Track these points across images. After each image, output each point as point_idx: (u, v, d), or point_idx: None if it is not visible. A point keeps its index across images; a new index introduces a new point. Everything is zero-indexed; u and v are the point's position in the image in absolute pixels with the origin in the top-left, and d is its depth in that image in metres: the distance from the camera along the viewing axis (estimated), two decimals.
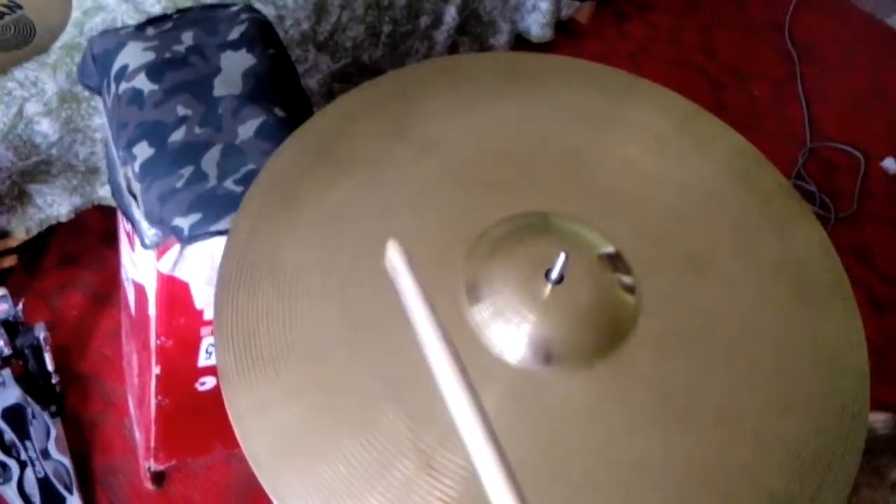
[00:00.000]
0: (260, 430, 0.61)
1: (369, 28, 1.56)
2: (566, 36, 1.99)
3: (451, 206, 0.69)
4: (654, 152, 0.75)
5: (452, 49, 1.76)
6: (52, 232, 1.44)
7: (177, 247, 0.93)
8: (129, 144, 0.93)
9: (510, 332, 0.63)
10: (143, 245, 0.96)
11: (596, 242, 0.67)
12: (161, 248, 0.95)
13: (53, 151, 1.30)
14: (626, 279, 0.66)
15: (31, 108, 1.23)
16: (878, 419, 1.53)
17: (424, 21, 1.65)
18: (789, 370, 0.66)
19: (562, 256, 0.61)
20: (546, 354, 0.62)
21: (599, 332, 0.64)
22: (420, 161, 0.69)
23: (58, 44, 1.21)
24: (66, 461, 1.28)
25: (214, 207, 0.90)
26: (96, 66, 1.00)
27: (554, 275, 0.62)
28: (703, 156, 0.75)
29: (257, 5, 1.31)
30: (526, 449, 0.59)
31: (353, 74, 1.59)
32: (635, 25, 2.09)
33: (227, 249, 0.67)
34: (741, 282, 0.69)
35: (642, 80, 0.79)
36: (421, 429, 0.59)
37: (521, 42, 1.89)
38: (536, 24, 1.85)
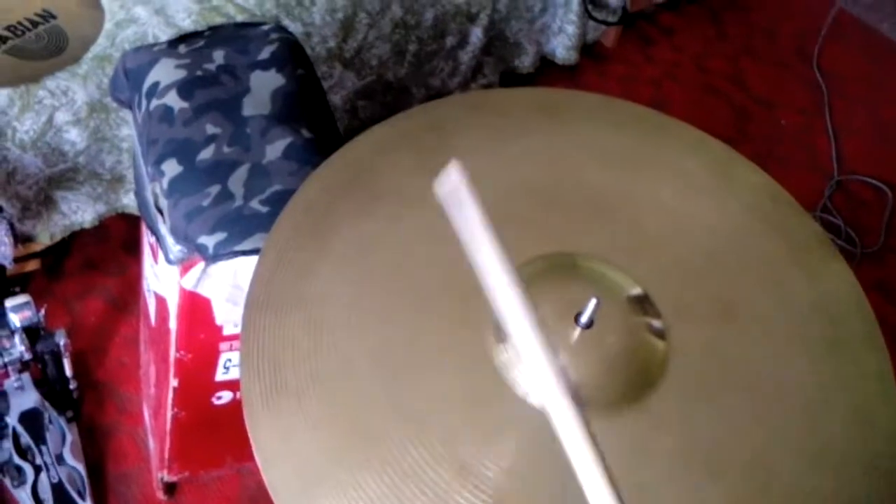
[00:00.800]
0: (281, 460, 0.60)
1: (395, 46, 1.56)
2: (592, 59, 1.99)
3: None
4: (684, 194, 0.74)
5: (477, 69, 1.76)
6: (75, 237, 1.45)
7: (201, 264, 0.93)
8: (159, 161, 0.94)
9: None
10: (168, 260, 0.96)
11: (625, 285, 0.66)
12: (185, 265, 0.95)
13: (80, 160, 1.31)
14: (656, 323, 0.65)
15: (61, 116, 1.24)
16: None
17: (450, 41, 1.65)
18: (821, 423, 0.65)
19: (593, 301, 0.60)
20: (573, 399, 0.61)
21: (628, 378, 0.63)
22: None
23: (89, 55, 1.22)
24: (81, 467, 1.29)
25: (240, 227, 0.90)
26: (128, 81, 1.01)
27: (584, 319, 0.61)
28: (734, 198, 0.74)
29: (285, 22, 1.32)
30: (547, 494, 0.59)
31: (377, 92, 1.60)
32: (661, 50, 2.08)
33: (256, 277, 0.67)
34: (772, 329, 0.68)
35: (674, 120, 0.79)
36: (441, 466, 0.59)
37: (546, 64, 1.89)
38: (562, 46, 1.85)
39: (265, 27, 1.06)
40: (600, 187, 0.73)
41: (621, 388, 0.62)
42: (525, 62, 1.82)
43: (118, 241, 1.54)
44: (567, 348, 0.62)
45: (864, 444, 0.65)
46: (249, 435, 0.62)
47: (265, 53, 1.02)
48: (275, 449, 0.61)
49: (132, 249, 1.46)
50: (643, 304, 0.66)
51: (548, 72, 1.89)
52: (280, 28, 1.07)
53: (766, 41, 2.17)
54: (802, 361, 0.68)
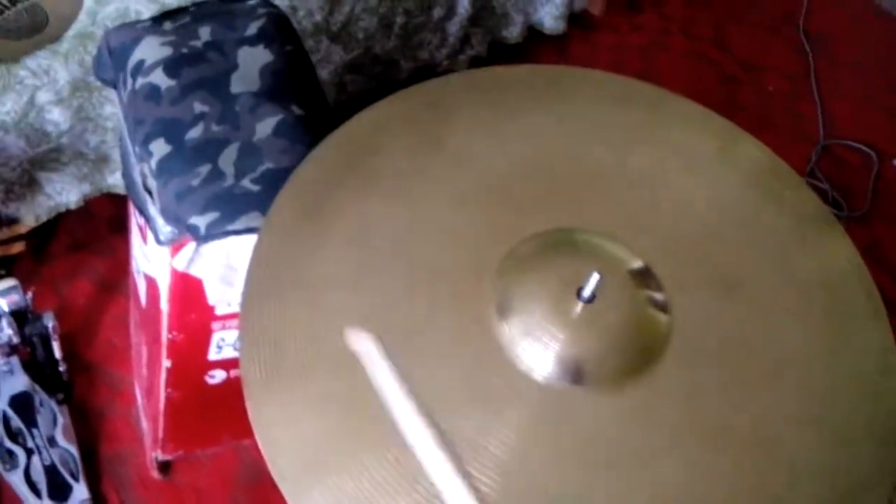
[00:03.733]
0: (284, 442, 0.60)
1: (382, 19, 1.54)
2: (580, 28, 1.97)
3: (481, 221, 0.68)
4: (685, 169, 0.74)
5: (465, 41, 1.74)
6: (61, 219, 1.43)
7: (192, 244, 0.92)
8: (146, 141, 0.92)
9: (539, 350, 0.62)
10: (158, 241, 0.95)
11: (627, 259, 0.66)
12: (176, 245, 0.94)
13: (64, 140, 1.29)
14: (658, 296, 0.65)
15: (43, 96, 1.22)
16: None
17: (437, 13, 1.63)
18: (823, 395, 0.65)
19: (595, 276, 0.60)
20: (576, 374, 0.62)
21: (631, 351, 0.63)
22: (450, 175, 0.69)
23: (70, 32, 1.20)
24: (73, 449, 1.28)
25: (231, 206, 0.89)
26: (112, 59, 0.99)
27: (586, 293, 0.61)
28: (735, 173, 0.74)
29: None
30: (551, 469, 0.59)
31: (365, 65, 1.58)
32: (648, 17, 2.07)
33: (255, 258, 0.66)
34: (774, 301, 0.69)
35: (675, 96, 0.78)
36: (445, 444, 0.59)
37: (533, 34, 1.87)
38: (549, 16, 1.83)
39: (251, 2, 1.04)
40: (601, 163, 0.72)
41: (624, 361, 0.63)
42: (513, 32, 1.81)
43: (104, 221, 1.52)
44: (569, 323, 0.62)
45: (867, 415, 0.66)
46: (250, 417, 0.62)
47: (252, 29, 1.00)
48: (276, 431, 0.60)
49: (119, 229, 1.44)
50: (645, 277, 0.66)
51: (536, 42, 1.88)
52: (266, 3, 1.05)
53: (752, 6, 2.16)
54: (804, 333, 0.69)
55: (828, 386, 0.66)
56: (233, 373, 1.17)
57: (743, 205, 0.74)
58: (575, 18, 1.94)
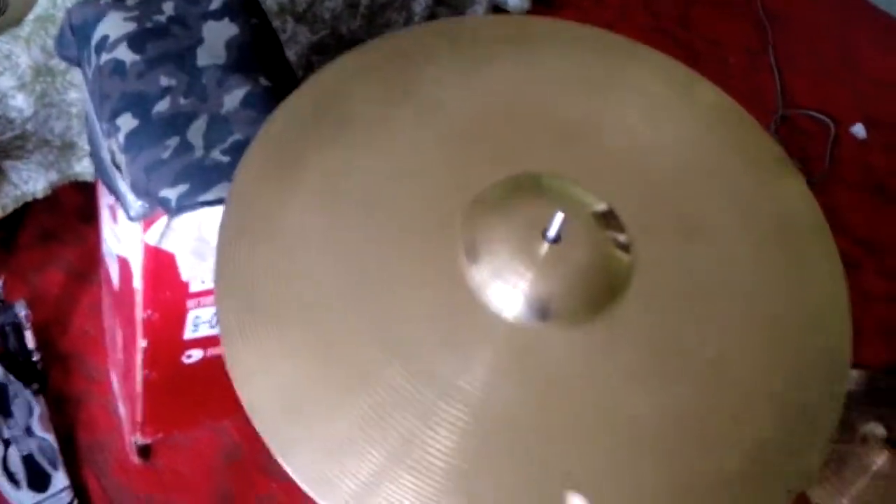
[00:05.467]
0: (261, 386, 0.61)
1: None
2: (544, 5, 1.99)
3: (449, 168, 0.69)
4: (649, 115, 0.76)
5: (430, 19, 1.75)
6: (28, 209, 1.42)
7: (164, 218, 0.93)
8: (113, 116, 0.92)
9: (508, 291, 0.64)
10: (129, 217, 0.95)
11: (591, 202, 0.68)
12: (147, 221, 0.94)
13: (28, 126, 1.28)
14: (621, 237, 0.68)
15: (5, 82, 1.21)
16: (849, 376, 1.59)
17: None
18: (778, 332, 0.69)
19: (559, 216, 0.62)
20: (543, 312, 0.64)
21: (595, 289, 0.65)
22: (419, 123, 0.70)
23: (31, 16, 1.19)
24: (51, 438, 1.28)
25: (202, 178, 0.90)
26: (75, 37, 0.99)
27: (551, 234, 0.63)
28: (697, 119, 0.77)
29: None
30: (522, 402, 0.62)
31: (331, 46, 1.58)
32: None
33: (227, 209, 0.67)
34: (732, 243, 0.71)
35: (642, 46, 0.80)
36: (414, 384, 0.60)
37: (498, 12, 1.89)
38: None
39: None
40: (568, 111, 0.75)
41: (588, 299, 0.65)
42: (478, 10, 1.82)
43: (73, 210, 1.51)
44: (536, 263, 0.64)
45: (817, 352, 0.70)
46: (227, 363, 0.63)
47: (216, 3, 1.00)
48: (253, 376, 0.61)
49: (88, 218, 1.43)
50: (608, 219, 0.68)
51: None
52: None
53: None
54: (760, 272, 0.72)
55: (780, 319, 0.69)
56: (210, 352, 1.17)
57: (703, 149, 0.76)
58: None
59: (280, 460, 0.58)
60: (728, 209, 0.73)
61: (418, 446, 0.58)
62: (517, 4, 1.87)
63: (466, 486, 0.58)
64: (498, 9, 1.88)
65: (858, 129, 1.97)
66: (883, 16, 2.16)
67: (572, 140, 0.73)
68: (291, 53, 1.51)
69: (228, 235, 0.65)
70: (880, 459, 1.50)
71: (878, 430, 1.52)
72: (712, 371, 0.65)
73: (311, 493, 0.57)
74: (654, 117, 0.76)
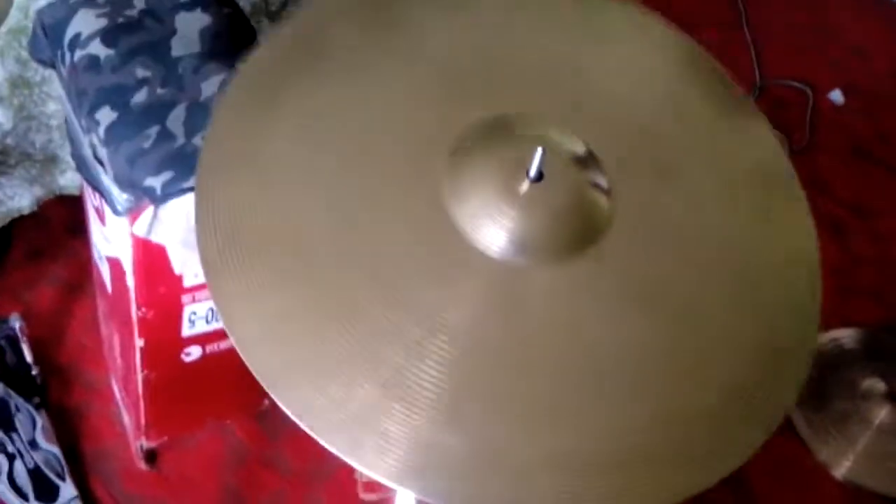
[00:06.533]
0: (245, 317, 0.62)
1: None
2: None
3: (432, 109, 0.71)
4: (627, 63, 0.78)
5: None
6: (16, 226, 1.42)
7: (150, 209, 0.93)
8: (91, 110, 0.93)
9: (491, 227, 0.65)
10: (115, 212, 0.95)
11: (571, 144, 0.70)
12: (134, 213, 0.95)
13: (9, 141, 1.28)
14: (601, 179, 0.69)
15: None
16: (845, 334, 1.59)
17: None
18: (750, 275, 0.71)
19: (539, 151, 0.63)
20: (525, 249, 0.65)
21: (575, 229, 0.67)
22: (402, 63, 0.71)
23: (3, 29, 1.19)
24: (56, 450, 1.28)
25: (185, 164, 0.90)
26: (48, 38, 1.00)
27: (532, 171, 0.64)
28: (671, 66, 0.79)
29: None
30: (504, 335, 0.63)
31: None
32: None
33: (207, 140, 0.67)
34: (707, 187, 0.73)
35: None
36: (401, 317, 0.61)
37: None
38: None
39: None
40: (548, 56, 0.77)
41: (569, 238, 0.67)
42: None
43: (60, 224, 1.51)
44: (518, 201, 0.65)
45: (787, 295, 0.72)
46: (212, 297, 0.63)
47: None
48: (238, 309, 0.62)
49: (76, 232, 1.43)
50: (588, 161, 0.70)
51: None
52: None
53: None
54: (732, 216, 0.74)
55: (754, 266, 0.72)
56: (209, 349, 1.17)
57: (676, 96, 0.78)
58: None
59: (270, 391, 0.59)
60: (703, 154, 0.75)
61: (406, 378, 0.59)
62: None
63: (456, 413, 0.59)
64: None
65: (836, 96, 1.98)
66: None
67: (551, 84, 0.75)
68: None
69: (209, 165, 0.66)
70: (882, 413, 1.51)
71: (879, 385, 1.53)
72: (685, 311, 0.67)
73: (302, 424, 0.57)
74: (633, 64, 0.78)
